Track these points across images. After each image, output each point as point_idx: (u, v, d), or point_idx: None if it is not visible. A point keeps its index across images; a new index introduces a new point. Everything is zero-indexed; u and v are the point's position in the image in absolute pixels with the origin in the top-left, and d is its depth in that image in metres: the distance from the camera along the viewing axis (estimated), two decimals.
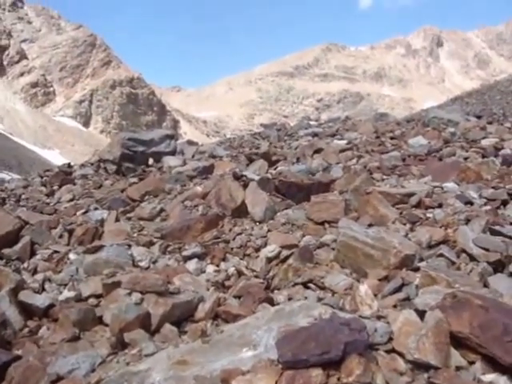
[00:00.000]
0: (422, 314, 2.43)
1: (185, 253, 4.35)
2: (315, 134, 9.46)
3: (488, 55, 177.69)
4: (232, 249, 4.43)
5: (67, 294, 3.78)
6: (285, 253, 4.08)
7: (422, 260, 3.52)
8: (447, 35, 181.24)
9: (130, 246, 4.55)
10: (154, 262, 4.29)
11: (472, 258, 3.46)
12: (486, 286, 3.12)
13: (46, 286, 4.07)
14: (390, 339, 2.30)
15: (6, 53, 79.09)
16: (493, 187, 4.96)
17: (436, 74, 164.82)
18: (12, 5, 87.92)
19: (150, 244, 4.68)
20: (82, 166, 9.32)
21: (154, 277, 3.50)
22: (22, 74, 78.85)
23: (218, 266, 4.17)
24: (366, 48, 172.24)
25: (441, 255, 3.53)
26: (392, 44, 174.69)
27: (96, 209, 6.05)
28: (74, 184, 7.82)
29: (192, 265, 4.16)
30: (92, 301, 3.62)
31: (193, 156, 8.77)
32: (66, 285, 4.01)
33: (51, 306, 3.64)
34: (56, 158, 57.72)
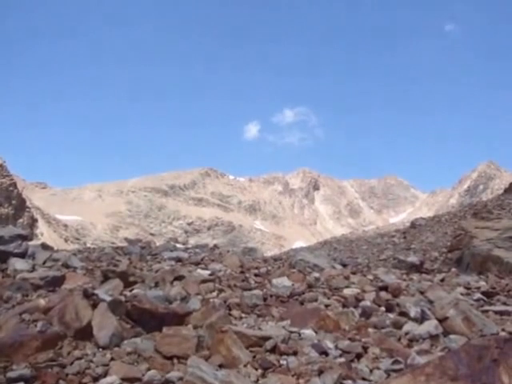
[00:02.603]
0: None
1: (10, 374, 3.92)
2: (179, 259, 9.42)
3: (360, 205, 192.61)
4: (67, 375, 4.08)
5: None
6: None
7: None
8: (324, 180, 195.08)
9: None
10: None
11: None
12: None
13: None
14: None
15: None
16: (349, 339, 5.16)
17: (309, 216, 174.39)
18: None
19: None
20: None
21: None
22: None
23: None
24: (245, 179, 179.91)
25: None
26: (271, 180, 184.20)
27: None
28: None
29: None
30: None
31: (44, 262, 8.28)
32: None
33: None
34: None
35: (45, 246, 9.94)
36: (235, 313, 5.86)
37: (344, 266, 10.33)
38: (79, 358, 4.35)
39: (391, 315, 6.21)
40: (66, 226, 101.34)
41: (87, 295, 5.47)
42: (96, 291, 5.78)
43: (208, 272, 7.99)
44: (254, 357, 4.44)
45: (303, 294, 7.00)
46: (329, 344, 4.89)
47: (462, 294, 7.52)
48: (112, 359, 4.38)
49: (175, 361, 4.44)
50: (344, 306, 6.54)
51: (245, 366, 4.25)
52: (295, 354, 4.58)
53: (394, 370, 4.29)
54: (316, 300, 6.72)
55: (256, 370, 4.18)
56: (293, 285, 7.43)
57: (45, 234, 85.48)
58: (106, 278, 7.03)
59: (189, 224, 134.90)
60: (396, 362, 4.46)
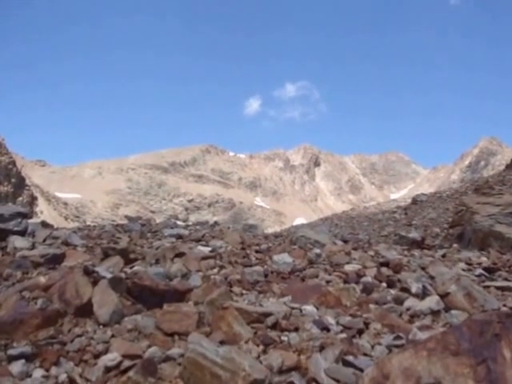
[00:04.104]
0: None
1: (11, 351, 3.89)
2: (180, 236, 9.42)
3: (361, 181, 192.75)
4: (68, 352, 4.07)
5: None
6: (126, 363, 3.86)
7: None
8: (325, 156, 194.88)
9: None
10: None
11: None
12: None
13: None
14: None
15: None
16: (351, 315, 5.15)
17: (310, 192, 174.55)
18: None
19: None
20: None
21: None
22: None
23: (47, 370, 3.77)
24: (246, 156, 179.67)
25: (291, 383, 3.54)
26: (271, 156, 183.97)
27: None
28: None
29: (17, 367, 3.72)
30: None
31: (44, 240, 8.25)
32: None
33: None
34: None
35: (45, 224, 9.91)
36: (236, 289, 5.85)
37: (345, 242, 10.34)
38: (80, 336, 4.34)
39: (392, 291, 6.22)
40: (65, 203, 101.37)
41: (87, 272, 5.47)
42: (96, 268, 5.77)
43: (209, 249, 7.99)
44: (255, 333, 4.45)
45: (304, 270, 7.00)
46: (330, 320, 4.89)
47: (463, 270, 7.53)
48: (112, 336, 4.37)
49: (176, 337, 4.44)
50: (345, 282, 6.53)
51: (246, 342, 4.25)
52: (296, 330, 4.58)
53: (396, 346, 4.30)
54: (317, 276, 6.72)
55: (257, 346, 4.19)
56: (294, 261, 7.43)
57: (44, 211, 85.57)
58: (106, 255, 7.02)
59: (189, 201, 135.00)
60: (397, 337, 4.47)
